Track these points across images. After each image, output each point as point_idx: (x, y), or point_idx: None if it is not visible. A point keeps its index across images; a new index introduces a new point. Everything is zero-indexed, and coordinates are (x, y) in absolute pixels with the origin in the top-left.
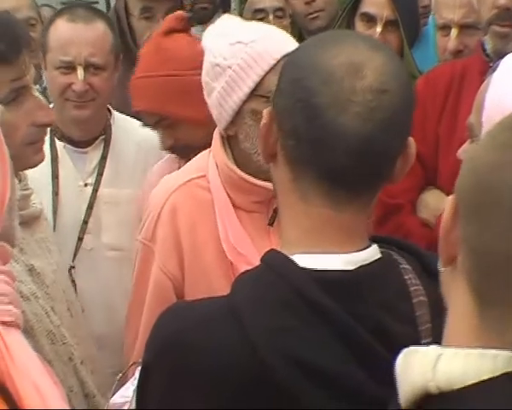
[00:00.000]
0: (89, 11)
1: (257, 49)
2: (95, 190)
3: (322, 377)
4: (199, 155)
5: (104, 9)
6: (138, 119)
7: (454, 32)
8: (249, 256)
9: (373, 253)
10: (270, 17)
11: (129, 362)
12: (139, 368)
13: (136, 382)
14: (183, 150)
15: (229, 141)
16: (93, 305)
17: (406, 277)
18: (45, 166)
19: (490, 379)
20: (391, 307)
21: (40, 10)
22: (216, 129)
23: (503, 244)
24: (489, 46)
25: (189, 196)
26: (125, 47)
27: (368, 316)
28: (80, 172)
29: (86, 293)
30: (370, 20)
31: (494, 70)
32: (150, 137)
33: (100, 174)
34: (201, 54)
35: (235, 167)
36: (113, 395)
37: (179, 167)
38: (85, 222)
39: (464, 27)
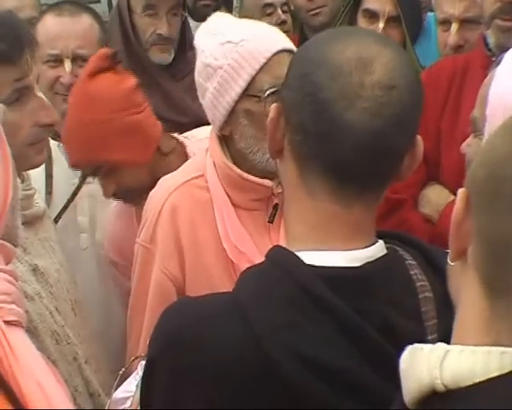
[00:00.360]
0: (75, 6)
1: (247, 48)
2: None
3: (327, 373)
4: (197, 155)
5: (106, 8)
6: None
7: (454, 26)
8: (250, 254)
9: (379, 249)
10: (279, 11)
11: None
12: (142, 363)
13: (138, 377)
14: (128, 195)
15: (226, 140)
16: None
17: (412, 272)
18: None
19: (498, 377)
20: (397, 303)
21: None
22: (211, 128)
23: None
24: (492, 40)
25: (187, 196)
26: (128, 45)
27: (374, 312)
28: (74, 170)
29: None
30: (373, 16)
31: (497, 64)
32: None
33: None
34: (131, 90)
35: (232, 166)
36: (116, 390)
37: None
38: None
39: (465, 22)
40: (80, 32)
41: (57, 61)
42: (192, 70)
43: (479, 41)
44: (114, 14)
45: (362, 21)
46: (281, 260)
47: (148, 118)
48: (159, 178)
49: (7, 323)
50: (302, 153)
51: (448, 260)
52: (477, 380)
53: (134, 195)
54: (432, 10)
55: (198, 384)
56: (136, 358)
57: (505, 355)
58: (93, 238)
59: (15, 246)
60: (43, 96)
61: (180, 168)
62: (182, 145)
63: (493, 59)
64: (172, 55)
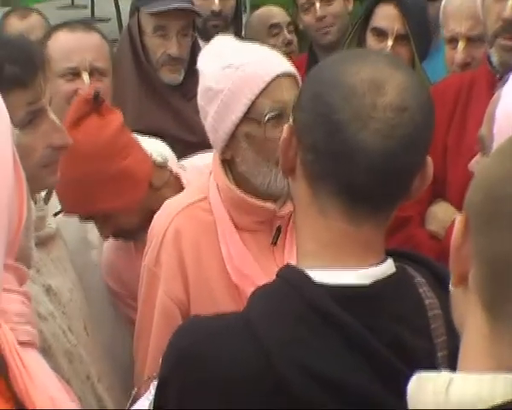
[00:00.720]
0: (84, 24)
1: (247, 72)
2: None
3: (337, 389)
4: (200, 177)
5: (116, 28)
6: None
7: (461, 44)
8: (254, 277)
9: (388, 267)
10: (285, 31)
11: (139, 384)
12: (154, 382)
13: (151, 396)
14: (125, 234)
15: (228, 163)
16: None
17: (421, 290)
18: None
19: (504, 403)
20: (407, 320)
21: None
22: (214, 151)
23: None
24: (495, 59)
25: (191, 219)
26: (138, 65)
27: (384, 329)
28: None
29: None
30: (381, 34)
31: (504, 83)
32: (153, 148)
33: None
34: (116, 134)
35: (235, 188)
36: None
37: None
38: None
39: (471, 40)
40: (94, 45)
41: (75, 74)
42: None
43: (483, 59)
44: (125, 35)
45: (371, 40)
46: (291, 278)
47: (135, 159)
48: (154, 212)
49: (21, 343)
50: (314, 172)
51: (450, 286)
52: (482, 407)
53: (131, 233)
54: None
55: (209, 401)
56: (149, 378)
57: (509, 380)
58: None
59: (29, 268)
60: (56, 119)
61: (184, 191)
62: (176, 176)
63: (497, 76)
64: (182, 75)
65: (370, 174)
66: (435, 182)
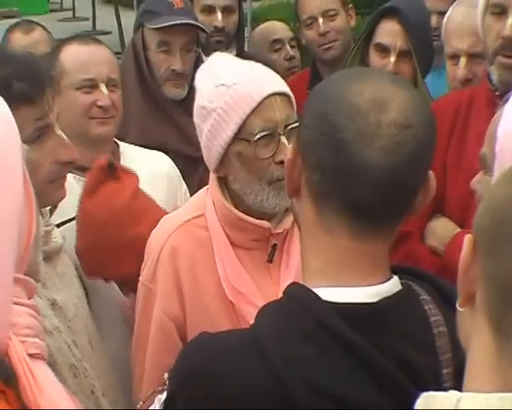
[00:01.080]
0: (91, 37)
1: (239, 91)
2: None
3: (344, 407)
4: (197, 194)
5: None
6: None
7: (463, 60)
8: (249, 295)
9: (394, 285)
10: (288, 47)
11: (137, 400)
12: (158, 397)
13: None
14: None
15: (225, 180)
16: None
17: (426, 307)
18: None
19: None
20: (412, 338)
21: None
22: None
23: None
24: (495, 77)
25: (187, 237)
26: (142, 80)
27: (391, 347)
28: None
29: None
30: (384, 50)
31: (506, 101)
32: (160, 164)
33: None
34: (131, 199)
35: (231, 206)
36: None
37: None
38: None
39: (473, 56)
40: (108, 57)
41: (92, 86)
42: None
43: (483, 76)
44: (129, 50)
45: (373, 55)
46: (298, 296)
47: (151, 222)
48: None
49: (30, 356)
50: (320, 191)
51: (457, 306)
52: None
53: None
54: None
55: None
56: (154, 391)
57: None
58: None
59: (37, 281)
60: (63, 135)
61: (181, 208)
62: None
63: (497, 94)
64: (186, 91)
65: (376, 191)
66: (435, 198)
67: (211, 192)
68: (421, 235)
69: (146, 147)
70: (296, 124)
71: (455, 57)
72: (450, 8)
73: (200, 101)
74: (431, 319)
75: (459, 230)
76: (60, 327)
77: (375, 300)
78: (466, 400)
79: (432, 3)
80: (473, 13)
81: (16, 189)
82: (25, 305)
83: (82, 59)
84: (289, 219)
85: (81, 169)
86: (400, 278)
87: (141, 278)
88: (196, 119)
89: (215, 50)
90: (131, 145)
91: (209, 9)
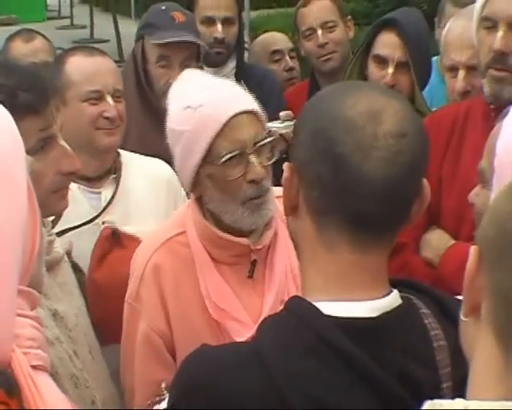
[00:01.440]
0: (95, 49)
1: (204, 114)
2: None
3: None
4: (179, 210)
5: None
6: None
7: (461, 73)
8: (232, 311)
9: (394, 299)
10: (287, 57)
11: None
12: (156, 406)
13: None
14: None
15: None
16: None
17: (426, 321)
18: None
19: None
20: (413, 352)
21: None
22: None
23: None
24: (486, 89)
25: (170, 254)
26: (141, 91)
27: (391, 362)
28: (96, 211)
29: None
30: (382, 61)
31: (504, 115)
32: (160, 172)
33: (107, 211)
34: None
35: (209, 224)
36: None
37: None
38: None
39: (471, 69)
40: (113, 69)
41: (98, 97)
42: None
43: (480, 89)
44: (130, 60)
45: (372, 67)
46: (299, 311)
47: None
48: None
49: (33, 367)
50: (319, 207)
51: (461, 316)
52: None
53: None
54: None
55: None
56: (152, 402)
57: None
58: None
59: (40, 293)
60: (66, 145)
61: (163, 225)
62: None
63: (492, 106)
64: None
65: (377, 202)
66: (430, 209)
67: (191, 210)
68: (416, 246)
69: (146, 156)
70: (266, 140)
71: (454, 70)
72: (450, 20)
73: (169, 123)
74: (431, 333)
75: (454, 242)
76: (61, 337)
77: (375, 314)
78: (473, 407)
79: None
80: (472, 26)
81: (21, 201)
82: (28, 317)
83: (88, 70)
84: (269, 235)
85: (85, 179)
86: (400, 292)
87: (126, 297)
88: (169, 141)
89: (214, 62)
90: (132, 153)
91: (209, 21)
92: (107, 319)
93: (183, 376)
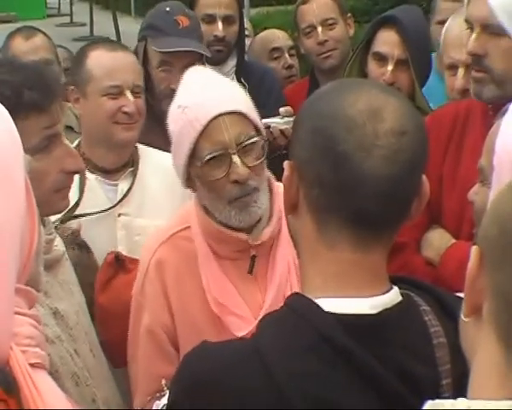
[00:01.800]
0: (117, 43)
1: (188, 115)
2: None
3: None
4: (184, 206)
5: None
6: None
7: (461, 71)
8: (232, 306)
9: (395, 296)
10: (286, 55)
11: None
12: (157, 402)
13: None
14: None
15: None
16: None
17: (426, 318)
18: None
19: None
20: (413, 349)
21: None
22: None
23: None
24: (471, 90)
25: (174, 250)
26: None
27: (391, 359)
28: (112, 203)
29: None
30: (382, 59)
31: (503, 113)
32: None
33: (123, 203)
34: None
35: (210, 220)
36: None
37: None
38: None
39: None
40: (134, 64)
41: (118, 92)
42: None
43: None
44: None
45: (372, 64)
46: (300, 308)
47: None
48: None
49: (32, 365)
50: (320, 206)
51: (461, 316)
52: None
53: None
54: None
55: None
56: (152, 397)
57: None
58: None
59: (38, 291)
60: (70, 144)
61: (170, 220)
62: None
63: (490, 105)
64: None
65: (377, 200)
66: (431, 209)
67: (195, 205)
68: (417, 246)
69: None
70: (252, 140)
71: (453, 68)
72: (449, 18)
73: (168, 120)
74: (431, 330)
75: (454, 241)
76: (61, 336)
77: (376, 311)
78: (475, 407)
79: None
80: None
81: (19, 200)
82: (26, 315)
83: (109, 65)
84: (268, 231)
85: (103, 171)
86: (400, 289)
87: (132, 291)
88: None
89: (215, 60)
90: (149, 148)
91: (210, 19)
92: (114, 342)
93: (184, 373)
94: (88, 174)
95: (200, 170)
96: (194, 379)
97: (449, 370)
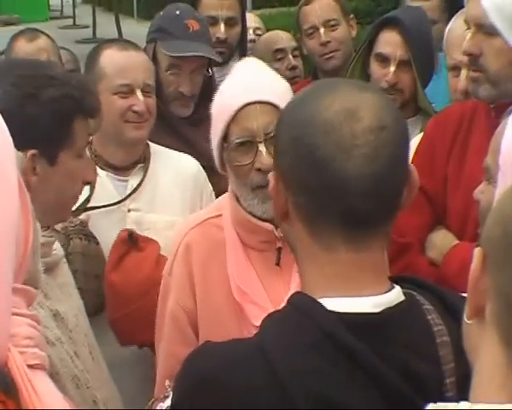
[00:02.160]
0: (130, 42)
1: (223, 99)
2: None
3: None
4: (224, 194)
5: None
6: None
7: (464, 72)
8: (254, 295)
9: (397, 295)
10: (290, 56)
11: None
12: (160, 404)
13: None
14: None
15: None
16: None
17: (429, 317)
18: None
19: None
20: (416, 347)
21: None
22: None
23: None
24: (470, 89)
25: (203, 235)
26: None
27: (395, 357)
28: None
29: None
30: (384, 60)
31: (509, 113)
32: (188, 165)
33: (134, 198)
34: (154, 266)
35: (240, 208)
36: None
37: None
38: None
39: None
40: (145, 64)
41: (128, 91)
42: (208, 116)
43: None
44: None
45: (374, 65)
46: (303, 306)
47: None
48: None
49: (30, 366)
50: (309, 212)
51: (464, 318)
52: None
53: None
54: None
55: None
56: (156, 399)
57: None
58: None
59: (36, 289)
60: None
61: (208, 206)
62: None
63: (492, 106)
64: (192, 109)
65: (364, 198)
66: (436, 209)
67: (229, 194)
68: (422, 247)
69: None
70: None
71: (456, 69)
72: (452, 19)
73: None
74: (434, 329)
75: (457, 242)
76: (62, 338)
77: (378, 310)
78: None
79: None
80: None
81: (12, 198)
82: (24, 315)
83: (120, 64)
84: None
85: (114, 168)
86: (403, 288)
87: (163, 270)
88: None
89: (217, 61)
90: (161, 146)
91: (212, 20)
92: (123, 321)
93: (187, 371)
94: (99, 170)
95: (229, 154)
96: (197, 378)
97: (453, 369)
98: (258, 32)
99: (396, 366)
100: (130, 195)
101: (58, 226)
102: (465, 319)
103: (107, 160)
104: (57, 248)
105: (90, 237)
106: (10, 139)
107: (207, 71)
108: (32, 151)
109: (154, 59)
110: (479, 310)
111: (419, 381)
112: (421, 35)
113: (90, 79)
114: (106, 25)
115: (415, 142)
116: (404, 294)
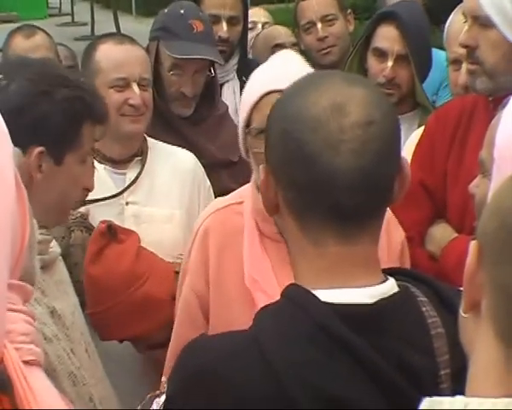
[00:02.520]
0: (126, 36)
1: (248, 87)
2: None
3: (344, 408)
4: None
5: None
6: None
7: (465, 66)
8: (264, 284)
9: (391, 286)
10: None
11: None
12: (157, 400)
13: None
14: (160, 347)
15: None
16: None
17: (423, 309)
18: None
19: None
20: (410, 339)
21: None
22: None
23: None
24: (468, 82)
25: (223, 221)
26: None
27: (389, 349)
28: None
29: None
30: (382, 54)
31: (504, 106)
32: (186, 160)
33: (131, 191)
34: (133, 260)
35: (259, 196)
36: None
37: None
38: None
39: None
40: (142, 57)
41: (124, 85)
42: (209, 115)
43: None
44: None
45: (371, 60)
46: (297, 298)
47: (155, 280)
48: None
49: (26, 362)
50: (298, 207)
51: (460, 312)
52: None
53: (164, 345)
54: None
55: None
56: (152, 395)
57: None
58: None
59: (32, 285)
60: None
61: (232, 193)
62: None
63: (490, 98)
64: (193, 109)
65: (352, 193)
66: (436, 203)
67: (251, 181)
68: (421, 240)
69: None
70: None
71: (457, 63)
72: (452, 13)
73: None
74: (428, 321)
75: (456, 235)
76: (59, 335)
77: (372, 301)
78: (474, 404)
79: None
80: None
81: (9, 194)
82: (20, 311)
83: (116, 58)
84: None
85: (111, 161)
86: (397, 280)
87: (183, 256)
88: None
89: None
90: (158, 141)
91: (214, 19)
92: (104, 315)
93: (183, 364)
94: (96, 164)
95: (250, 141)
96: (192, 370)
97: (447, 360)
98: (267, 26)
99: (390, 358)
100: (127, 188)
101: None
102: (461, 313)
103: (105, 153)
104: (54, 246)
105: (91, 230)
106: (7, 133)
107: (210, 71)
108: (40, 148)
109: (157, 58)
110: (475, 304)
111: (413, 372)
112: (419, 30)
113: (86, 74)
114: (104, 22)
115: (415, 136)
116: (399, 286)
